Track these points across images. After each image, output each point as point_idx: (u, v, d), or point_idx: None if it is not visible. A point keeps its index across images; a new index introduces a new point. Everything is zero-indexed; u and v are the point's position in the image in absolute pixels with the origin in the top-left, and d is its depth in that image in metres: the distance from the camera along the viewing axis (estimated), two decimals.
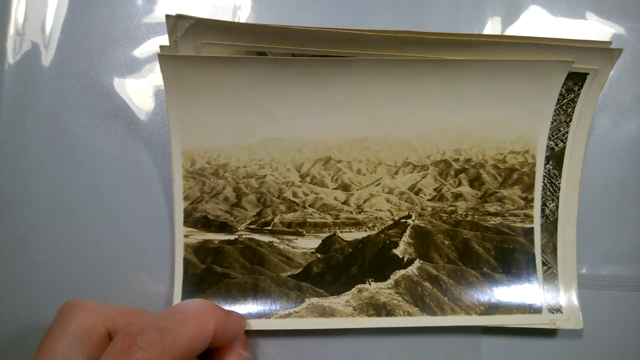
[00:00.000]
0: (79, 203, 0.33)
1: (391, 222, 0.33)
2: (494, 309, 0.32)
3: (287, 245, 0.33)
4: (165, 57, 0.28)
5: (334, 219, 0.33)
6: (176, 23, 0.28)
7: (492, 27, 0.35)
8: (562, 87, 0.32)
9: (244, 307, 0.31)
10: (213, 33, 0.28)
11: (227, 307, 0.31)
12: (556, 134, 0.33)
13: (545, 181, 0.33)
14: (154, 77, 0.34)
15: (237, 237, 0.32)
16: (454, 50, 0.30)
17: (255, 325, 0.31)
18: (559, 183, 0.33)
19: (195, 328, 0.24)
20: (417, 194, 0.33)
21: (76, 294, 0.31)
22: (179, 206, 0.32)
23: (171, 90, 0.30)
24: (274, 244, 0.33)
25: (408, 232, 0.33)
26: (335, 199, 0.33)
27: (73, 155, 0.33)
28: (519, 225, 0.33)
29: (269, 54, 0.30)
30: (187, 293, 0.31)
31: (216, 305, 0.27)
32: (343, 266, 0.33)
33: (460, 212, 0.33)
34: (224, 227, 0.32)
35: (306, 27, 0.29)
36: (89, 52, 0.34)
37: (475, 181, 0.33)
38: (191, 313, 0.25)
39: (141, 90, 0.34)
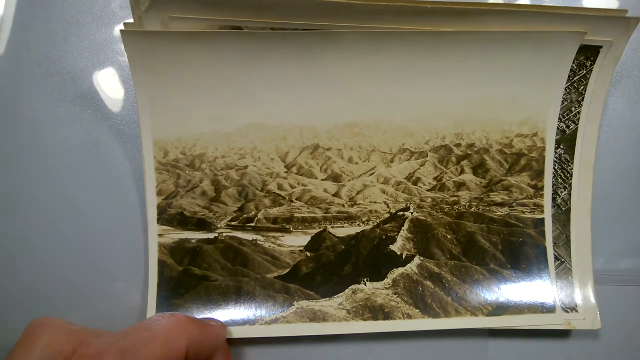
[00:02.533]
0: (42, 201, 0.32)
1: (387, 215, 0.32)
2: (502, 309, 0.31)
3: (272, 243, 0.32)
4: (128, 33, 0.27)
5: (324, 213, 0.32)
6: None
7: None
8: (574, 62, 0.31)
9: (226, 313, 0.30)
10: (181, 5, 0.27)
11: (208, 314, 0.30)
12: (567, 114, 0.32)
13: (557, 167, 0.32)
14: (123, 61, 0.33)
15: (217, 235, 0.31)
16: (454, 21, 0.29)
17: (238, 333, 0.30)
18: (572, 169, 0.32)
19: (164, 347, 0.23)
20: (415, 183, 0.32)
21: (39, 305, 0.31)
22: (152, 202, 0.31)
23: (138, 72, 0.29)
24: (258, 242, 0.32)
25: (406, 226, 0.32)
26: (325, 191, 0.32)
27: (35, 147, 0.32)
28: (529, 216, 0.32)
29: (245, 28, 0.28)
30: (162, 299, 0.30)
31: (189, 319, 0.26)
32: (335, 265, 0.31)
33: (463, 203, 0.32)
34: (202, 225, 0.31)
35: None
36: (51, 35, 0.33)
37: (480, 168, 0.32)
38: (159, 331, 0.24)
39: (109, 75, 0.33)
